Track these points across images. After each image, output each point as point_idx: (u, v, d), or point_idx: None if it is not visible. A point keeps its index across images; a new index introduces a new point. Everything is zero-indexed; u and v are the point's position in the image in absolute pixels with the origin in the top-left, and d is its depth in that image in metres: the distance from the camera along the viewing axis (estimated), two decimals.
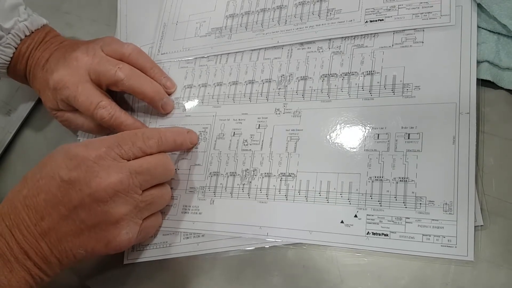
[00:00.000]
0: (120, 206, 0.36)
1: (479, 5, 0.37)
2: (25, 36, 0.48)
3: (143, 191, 0.38)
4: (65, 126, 0.50)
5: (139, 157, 0.38)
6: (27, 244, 0.34)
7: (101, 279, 0.44)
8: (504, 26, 0.36)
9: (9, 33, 0.47)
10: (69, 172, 0.35)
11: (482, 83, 0.37)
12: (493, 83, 0.36)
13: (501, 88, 0.36)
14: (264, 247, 0.39)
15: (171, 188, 0.44)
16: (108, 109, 0.44)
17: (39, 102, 0.57)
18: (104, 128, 0.48)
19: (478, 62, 0.37)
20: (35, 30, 0.49)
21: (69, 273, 0.45)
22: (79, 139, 0.52)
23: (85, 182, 0.35)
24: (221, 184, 0.42)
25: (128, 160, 0.37)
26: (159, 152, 0.39)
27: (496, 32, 0.37)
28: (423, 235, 0.34)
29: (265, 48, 0.45)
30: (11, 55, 0.48)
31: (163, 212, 0.43)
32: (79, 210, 0.35)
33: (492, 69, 0.36)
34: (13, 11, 0.47)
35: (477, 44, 0.37)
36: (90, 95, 0.44)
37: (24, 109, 0.57)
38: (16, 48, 0.48)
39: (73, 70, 0.45)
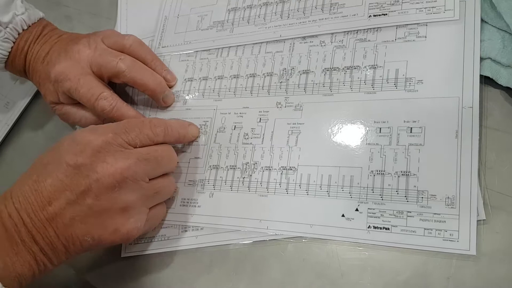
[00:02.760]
0: (128, 193, 0.35)
1: (490, 1, 0.37)
2: (23, 30, 0.48)
3: (150, 179, 0.37)
4: (64, 120, 0.50)
5: (145, 145, 0.38)
6: (34, 228, 0.34)
7: (99, 273, 0.44)
8: (507, 24, 0.36)
9: (6, 27, 0.46)
10: (75, 157, 0.34)
11: (485, 78, 0.36)
12: None
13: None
14: (264, 240, 0.38)
15: None
16: (109, 100, 0.44)
17: (37, 95, 0.57)
18: (103, 123, 0.48)
19: (482, 59, 0.37)
20: (32, 24, 0.48)
21: (66, 267, 0.45)
22: None
23: (92, 167, 0.34)
24: (221, 177, 0.42)
25: (134, 147, 0.37)
26: (165, 141, 0.39)
27: (503, 30, 0.37)
28: (424, 229, 0.34)
29: (267, 41, 0.45)
30: (9, 50, 0.47)
31: None
32: (86, 196, 0.34)
33: (494, 66, 0.36)
34: (10, 5, 0.46)
35: (483, 40, 0.37)
36: (91, 87, 0.44)
37: (21, 102, 0.57)
38: (14, 42, 0.47)
39: (74, 63, 0.45)
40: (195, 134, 0.44)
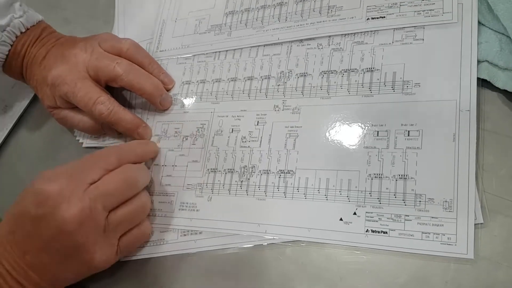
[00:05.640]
0: (87, 233, 0.36)
1: (487, 4, 0.37)
2: (21, 33, 0.47)
3: (109, 211, 0.37)
4: (62, 124, 0.50)
5: (104, 176, 0.38)
6: (19, 275, 0.36)
7: (96, 277, 0.43)
8: (504, 27, 0.36)
9: (4, 30, 0.46)
10: (36, 208, 0.36)
11: (482, 81, 0.36)
12: None
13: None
14: (262, 244, 0.38)
15: (168, 185, 0.44)
16: (106, 104, 0.44)
17: (35, 98, 0.57)
18: (101, 127, 0.48)
19: (479, 62, 0.36)
20: (30, 27, 0.48)
21: None
22: (76, 137, 0.51)
23: (51, 216, 0.35)
24: (219, 181, 0.42)
25: (93, 183, 0.37)
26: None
27: (500, 32, 0.37)
28: (422, 232, 0.34)
29: (265, 44, 0.45)
30: (7, 53, 0.47)
31: (160, 209, 0.43)
32: (52, 243, 0.36)
33: (491, 69, 0.36)
34: (8, 8, 0.46)
35: (480, 43, 0.37)
36: (89, 91, 0.44)
37: (20, 105, 0.57)
38: (11, 45, 0.47)
39: (71, 67, 0.45)
40: (156, 150, 0.45)
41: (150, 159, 0.45)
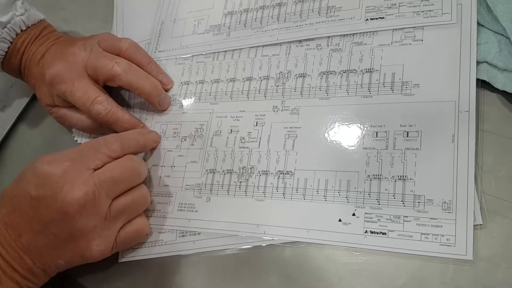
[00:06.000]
0: (88, 218, 0.36)
1: (486, 5, 0.37)
2: (21, 30, 0.48)
3: (112, 199, 0.37)
4: (60, 123, 0.50)
5: (107, 163, 0.38)
6: (11, 258, 0.35)
7: (96, 278, 0.43)
8: (503, 28, 0.36)
9: (5, 27, 0.46)
10: (37, 190, 0.35)
11: (482, 82, 0.36)
12: None
13: None
14: (261, 245, 0.38)
15: (166, 185, 0.43)
16: (104, 104, 0.44)
17: (34, 98, 0.57)
18: (99, 126, 0.48)
19: (478, 63, 0.36)
20: (31, 25, 0.48)
21: (63, 272, 0.44)
22: (75, 138, 0.51)
23: (52, 198, 0.35)
24: (217, 181, 0.42)
25: (96, 169, 0.37)
26: (124, 154, 0.39)
27: (499, 33, 0.37)
28: (421, 234, 0.34)
29: (264, 45, 0.45)
30: (6, 49, 0.47)
31: (159, 209, 0.43)
32: (50, 226, 0.35)
33: (490, 70, 0.36)
34: (10, 5, 0.46)
35: (479, 44, 0.37)
36: (87, 90, 0.44)
37: (18, 105, 0.57)
38: (11, 43, 0.47)
39: (70, 65, 0.45)
40: (157, 139, 0.45)
41: (149, 151, 0.46)
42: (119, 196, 0.38)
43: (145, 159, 0.45)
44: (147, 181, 0.44)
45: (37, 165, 0.36)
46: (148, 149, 0.45)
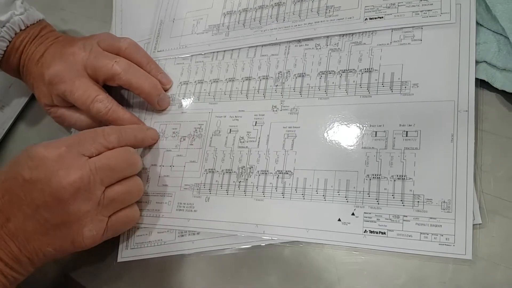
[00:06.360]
0: (81, 203, 0.36)
1: (485, 5, 0.37)
2: (20, 30, 0.48)
3: (106, 187, 0.37)
4: (59, 123, 0.50)
5: (102, 153, 0.38)
6: None
7: (95, 278, 0.43)
8: (502, 28, 0.36)
9: (4, 26, 0.46)
10: (31, 172, 0.35)
11: (480, 81, 0.36)
12: None
13: None
14: (260, 245, 0.38)
15: (165, 185, 0.43)
16: (105, 103, 0.44)
17: (32, 98, 0.57)
18: (98, 126, 0.47)
19: (477, 62, 0.36)
20: (30, 25, 0.48)
21: (62, 272, 0.44)
22: None
23: (46, 181, 0.35)
24: (216, 181, 0.42)
25: (90, 157, 0.37)
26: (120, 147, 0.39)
27: (498, 33, 0.37)
28: (420, 233, 0.34)
29: (263, 45, 0.45)
30: (5, 48, 0.47)
31: (158, 209, 0.43)
32: (42, 210, 0.35)
33: (489, 69, 0.36)
34: (9, 5, 0.46)
35: (478, 44, 0.37)
36: (87, 89, 0.44)
37: (17, 105, 0.56)
38: (10, 42, 0.47)
39: (69, 65, 0.45)
40: (155, 137, 0.45)
41: (148, 149, 0.46)
42: (113, 185, 0.38)
43: (144, 159, 0.45)
44: (145, 181, 0.44)
45: (32, 149, 0.36)
46: (145, 146, 0.45)
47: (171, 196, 0.43)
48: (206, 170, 0.42)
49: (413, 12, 0.39)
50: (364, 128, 0.38)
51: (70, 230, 0.36)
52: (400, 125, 0.37)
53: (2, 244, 0.35)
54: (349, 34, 0.41)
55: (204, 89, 0.46)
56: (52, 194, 0.35)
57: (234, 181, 0.41)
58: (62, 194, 0.35)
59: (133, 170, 0.40)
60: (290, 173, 0.39)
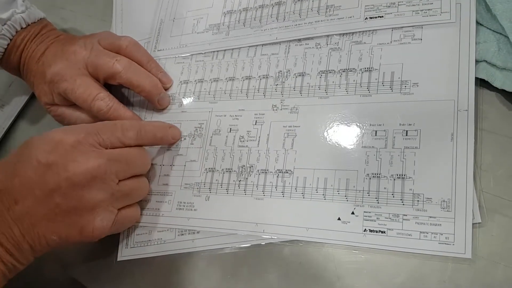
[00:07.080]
0: (96, 192, 0.35)
1: (485, 4, 0.37)
2: (21, 28, 0.48)
3: (119, 180, 0.37)
4: (59, 122, 0.49)
5: (116, 147, 0.38)
6: None
7: (95, 277, 0.43)
8: (502, 27, 0.36)
9: (5, 24, 0.46)
10: (47, 155, 0.34)
11: (480, 81, 0.36)
12: None
13: None
14: (260, 244, 0.38)
15: (166, 184, 0.43)
16: (106, 101, 0.44)
17: (33, 96, 0.57)
18: None
19: (477, 61, 0.36)
20: (31, 23, 0.48)
21: (62, 270, 0.44)
22: None
23: (63, 165, 0.34)
24: (216, 180, 0.42)
25: (105, 149, 0.37)
26: (137, 144, 0.39)
27: (498, 32, 0.37)
28: (420, 232, 0.34)
29: (263, 44, 0.45)
30: (6, 46, 0.47)
31: (158, 208, 0.43)
32: (54, 194, 0.34)
33: (489, 69, 0.36)
34: (11, 3, 0.46)
35: (478, 43, 0.37)
36: (88, 88, 0.44)
37: (17, 103, 0.57)
38: (11, 40, 0.47)
39: (70, 63, 0.45)
40: (177, 136, 0.44)
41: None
42: (126, 179, 0.38)
43: None
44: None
45: (50, 133, 0.36)
46: (165, 144, 0.45)
47: (171, 195, 0.43)
48: (206, 169, 0.42)
49: (413, 11, 0.39)
50: (364, 127, 0.38)
51: (80, 218, 0.35)
52: (400, 124, 0.37)
53: (5, 229, 0.34)
54: (349, 33, 0.41)
55: (204, 88, 0.46)
56: (68, 179, 0.34)
57: (234, 180, 0.41)
58: (79, 180, 0.34)
59: (145, 169, 0.41)
60: (290, 172, 0.39)
